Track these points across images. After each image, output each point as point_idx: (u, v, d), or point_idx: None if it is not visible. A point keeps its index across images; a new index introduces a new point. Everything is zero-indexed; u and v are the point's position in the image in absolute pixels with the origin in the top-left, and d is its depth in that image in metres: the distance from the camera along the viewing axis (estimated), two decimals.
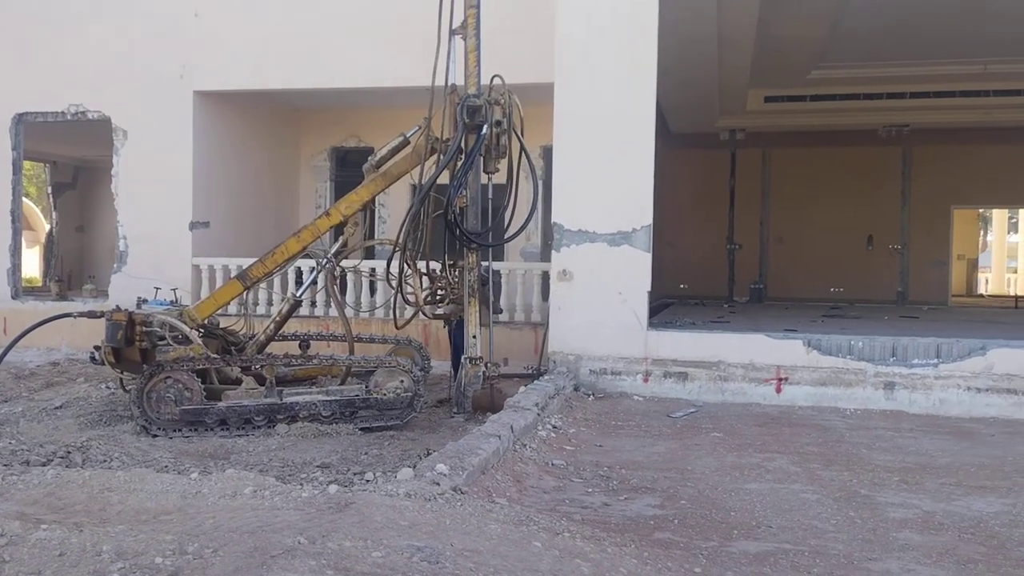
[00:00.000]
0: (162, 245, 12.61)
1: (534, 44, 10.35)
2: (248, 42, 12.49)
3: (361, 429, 7.49)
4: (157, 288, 8.99)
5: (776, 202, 18.03)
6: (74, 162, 19.81)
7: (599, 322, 9.08)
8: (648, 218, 9.08)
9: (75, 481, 4.76)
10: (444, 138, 8.18)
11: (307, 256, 9.37)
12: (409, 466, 5.20)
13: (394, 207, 14.25)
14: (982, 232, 31.61)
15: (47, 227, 20.84)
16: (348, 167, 14.91)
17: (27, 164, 17.01)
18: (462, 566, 3.45)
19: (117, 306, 8.44)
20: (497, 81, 8.06)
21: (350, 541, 3.51)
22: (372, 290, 12.22)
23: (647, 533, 4.56)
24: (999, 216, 30.08)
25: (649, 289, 9.14)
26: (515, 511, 4.54)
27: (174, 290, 9.23)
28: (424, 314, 8.72)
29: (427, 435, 7.37)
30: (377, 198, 9.49)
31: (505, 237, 9.08)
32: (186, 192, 12.64)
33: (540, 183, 9.13)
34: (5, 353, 8.53)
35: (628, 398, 8.80)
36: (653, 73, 9.05)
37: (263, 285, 10.07)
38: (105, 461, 6.34)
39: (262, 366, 7.92)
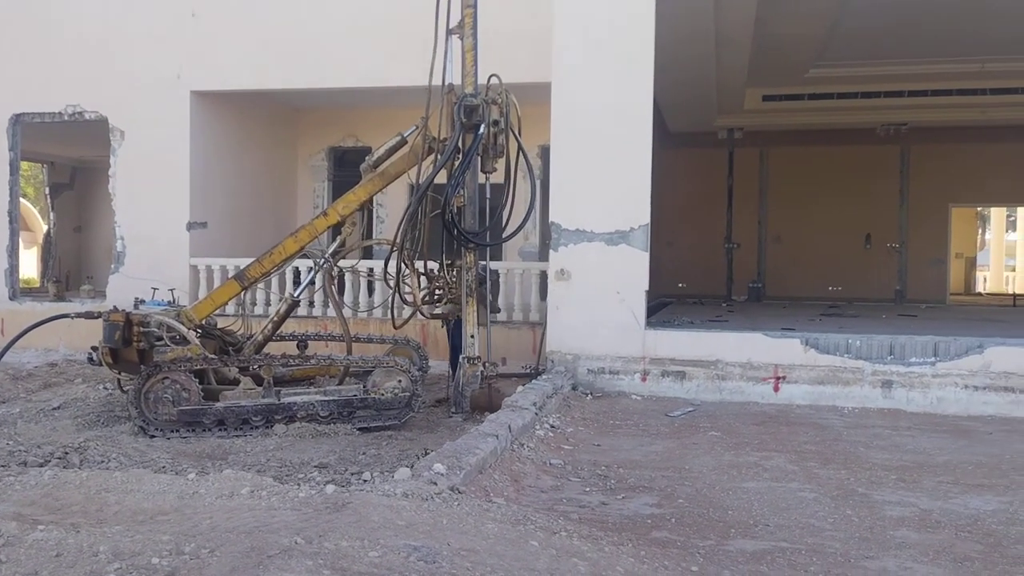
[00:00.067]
0: (160, 245, 12.62)
1: (531, 44, 10.35)
2: (245, 42, 12.49)
3: (359, 429, 7.50)
4: (155, 288, 8.98)
5: (774, 201, 18.01)
6: (72, 162, 19.79)
7: (597, 321, 9.08)
8: (646, 217, 9.08)
9: (72, 482, 4.76)
10: (441, 138, 8.18)
11: (305, 256, 9.37)
12: (407, 466, 5.21)
13: (392, 207, 14.24)
14: (980, 230, 31.62)
15: (45, 228, 20.84)
16: (346, 167, 14.90)
17: (24, 165, 16.99)
18: (459, 565, 3.45)
19: (115, 307, 8.45)
20: (494, 80, 8.06)
21: (347, 541, 3.51)
22: (370, 290, 12.22)
23: (644, 532, 4.56)
24: (997, 214, 30.07)
25: (647, 288, 9.14)
26: (512, 510, 4.54)
27: (172, 290, 9.25)
28: (422, 314, 8.73)
29: (425, 435, 7.38)
30: (375, 198, 9.49)
31: (503, 237, 9.07)
32: (183, 192, 12.64)
33: (538, 182, 9.12)
34: (3, 354, 8.52)
35: (626, 397, 8.80)
36: (650, 72, 9.05)
37: (261, 285, 10.06)
38: (102, 462, 6.35)
39: (260, 366, 7.93)
